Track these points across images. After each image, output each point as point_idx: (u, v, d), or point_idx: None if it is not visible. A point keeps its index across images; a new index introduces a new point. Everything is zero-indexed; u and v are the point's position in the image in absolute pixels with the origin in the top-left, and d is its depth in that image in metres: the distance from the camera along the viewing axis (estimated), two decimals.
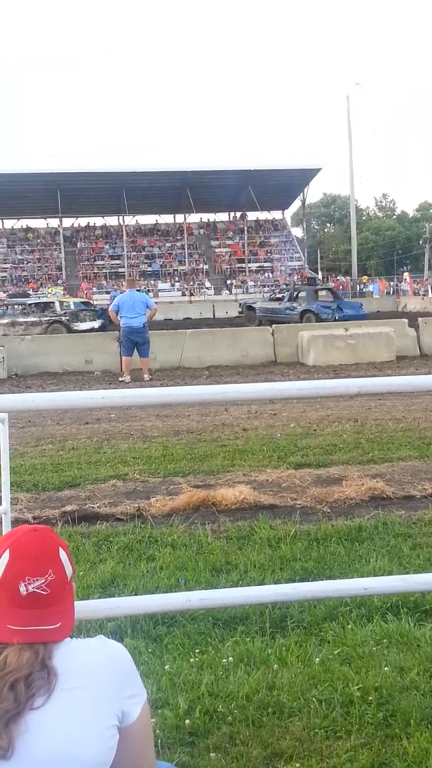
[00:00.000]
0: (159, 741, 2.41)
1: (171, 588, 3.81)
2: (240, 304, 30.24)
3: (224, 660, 3.00)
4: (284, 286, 35.48)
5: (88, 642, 1.55)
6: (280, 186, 58.64)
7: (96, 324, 24.76)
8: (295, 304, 25.56)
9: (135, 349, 14.25)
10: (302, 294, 25.95)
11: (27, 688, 1.37)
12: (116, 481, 6.36)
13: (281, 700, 2.69)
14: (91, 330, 23.33)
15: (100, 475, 6.57)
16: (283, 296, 27.62)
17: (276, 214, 66.80)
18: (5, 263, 59.35)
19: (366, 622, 3.39)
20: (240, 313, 27.94)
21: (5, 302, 28.51)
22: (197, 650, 3.13)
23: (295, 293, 26.48)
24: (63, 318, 24.80)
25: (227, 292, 54.86)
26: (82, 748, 1.38)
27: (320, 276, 63.83)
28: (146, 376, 14.30)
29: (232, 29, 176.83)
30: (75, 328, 23.86)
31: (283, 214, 67.91)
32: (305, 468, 6.57)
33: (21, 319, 24.57)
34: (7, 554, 1.49)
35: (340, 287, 56.77)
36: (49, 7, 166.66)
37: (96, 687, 1.45)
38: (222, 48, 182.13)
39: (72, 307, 26.87)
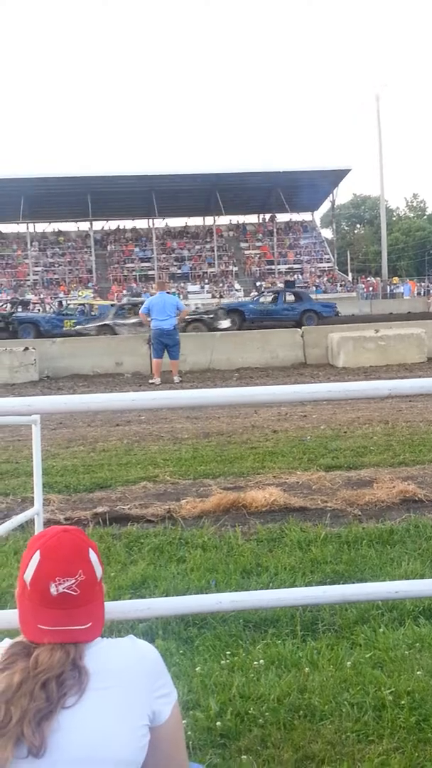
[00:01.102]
0: (190, 742, 2.42)
1: (201, 590, 3.81)
2: (220, 307, 27.71)
3: (255, 662, 3.00)
4: (264, 290, 35.67)
5: (118, 642, 1.56)
6: (309, 187, 58.37)
7: (229, 323, 24.09)
8: (294, 305, 25.93)
9: (165, 351, 14.30)
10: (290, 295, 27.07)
11: (59, 688, 1.38)
12: (147, 482, 6.38)
13: (313, 703, 2.67)
14: (227, 329, 22.48)
15: (131, 476, 6.60)
16: (275, 297, 27.92)
17: (305, 216, 66.59)
18: (37, 266, 59.88)
19: (398, 626, 3.36)
20: (213, 316, 24.67)
21: (128, 303, 27.72)
22: (228, 652, 3.12)
23: (284, 294, 27.50)
24: (205, 317, 24.06)
25: (256, 294, 54.85)
26: (114, 748, 1.39)
27: (350, 277, 63.43)
28: (176, 378, 14.34)
29: (261, 31, 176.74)
30: (217, 326, 22.97)
31: (312, 215, 67.69)
32: (336, 470, 6.54)
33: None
34: (38, 555, 1.51)
35: (371, 288, 56.53)
36: (87, 10, 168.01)
37: (127, 687, 1.45)
38: (250, 49, 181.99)
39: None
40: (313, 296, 44.13)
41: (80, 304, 28.84)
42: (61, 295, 43.70)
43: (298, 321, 25.46)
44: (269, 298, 29.05)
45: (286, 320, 25.87)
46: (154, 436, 8.70)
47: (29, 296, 46.03)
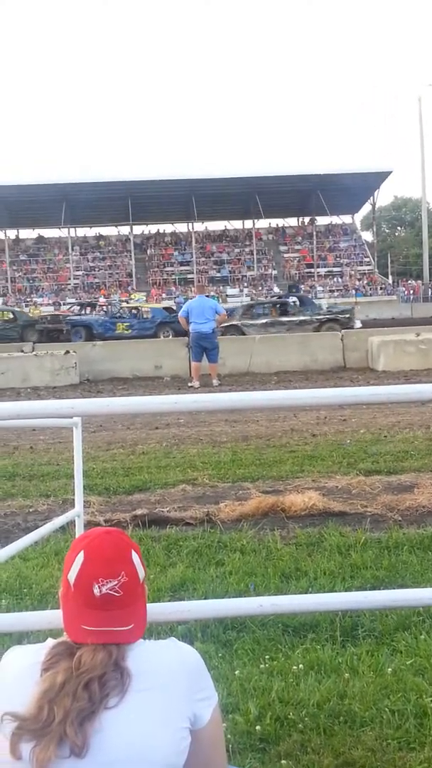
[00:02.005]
0: (230, 746, 2.41)
1: (240, 593, 3.81)
2: (353, 307, 26.60)
3: (294, 667, 2.98)
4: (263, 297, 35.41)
5: (160, 644, 1.56)
6: (349, 190, 58.05)
7: (360, 323, 23.80)
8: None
9: (204, 355, 14.33)
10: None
11: (101, 688, 1.39)
12: (186, 485, 6.40)
13: (353, 710, 2.65)
14: (358, 329, 21.85)
15: (170, 479, 6.63)
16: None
17: (345, 219, 66.23)
18: (78, 270, 60.54)
19: None
20: (349, 316, 23.91)
21: (257, 302, 27.75)
22: (267, 656, 3.12)
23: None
24: (339, 316, 23.80)
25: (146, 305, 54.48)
26: (155, 749, 1.39)
27: (390, 280, 62.91)
28: (215, 382, 14.36)
29: (299, 31, 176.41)
30: (352, 326, 22.57)
31: (352, 218, 67.32)
32: (375, 475, 6.49)
33: (285, 319, 23.45)
34: (81, 556, 1.52)
35: (411, 291, 55.96)
36: (108, 18, 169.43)
37: (168, 689, 1.46)
38: (289, 51, 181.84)
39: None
40: (352, 299, 43.97)
41: (132, 308, 28.86)
42: (116, 298, 43.97)
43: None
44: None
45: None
46: (193, 439, 8.72)
47: (96, 298, 46.22)
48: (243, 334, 21.54)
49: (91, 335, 25.12)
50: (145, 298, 45.35)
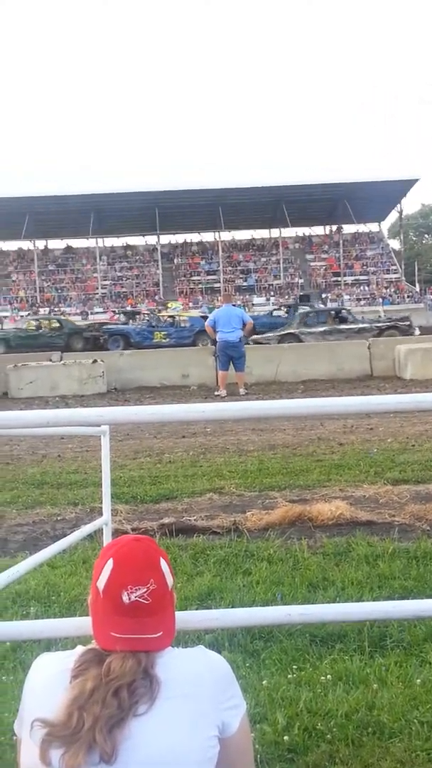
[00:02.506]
0: (258, 756, 2.40)
1: (267, 603, 3.79)
2: (410, 315, 26.44)
3: (322, 677, 2.96)
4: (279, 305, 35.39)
5: (189, 652, 1.56)
6: (376, 198, 57.89)
7: (419, 330, 23.77)
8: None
9: (231, 364, 14.33)
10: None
11: (130, 695, 1.39)
12: (212, 494, 6.40)
13: (381, 721, 2.63)
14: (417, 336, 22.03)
15: (197, 488, 6.63)
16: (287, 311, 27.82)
17: (372, 227, 65.98)
18: (105, 280, 60.96)
19: None
20: (409, 324, 23.75)
21: (313, 311, 27.59)
22: (295, 666, 3.10)
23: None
24: (399, 324, 23.81)
25: (322, 306, 54.57)
26: (184, 758, 1.39)
27: (418, 288, 62.49)
28: (242, 391, 14.35)
29: (324, 41, 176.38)
30: (412, 333, 22.66)
31: (379, 226, 67.06)
32: (403, 484, 6.44)
33: (344, 327, 23.33)
34: (110, 563, 1.53)
35: None
36: (133, 27, 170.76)
37: (197, 697, 1.45)
38: (313, 62, 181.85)
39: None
40: (379, 307, 43.82)
41: (170, 316, 28.98)
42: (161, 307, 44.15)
43: None
44: (282, 312, 29.96)
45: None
46: (219, 448, 8.72)
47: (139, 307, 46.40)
48: (300, 341, 21.63)
49: (129, 344, 25.30)
50: (182, 307, 45.35)
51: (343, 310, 25.99)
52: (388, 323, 23.98)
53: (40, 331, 28.15)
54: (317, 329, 22.96)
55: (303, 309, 28.01)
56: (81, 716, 1.36)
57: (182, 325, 26.64)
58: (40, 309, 52.82)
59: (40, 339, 26.84)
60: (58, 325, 28.91)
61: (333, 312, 25.55)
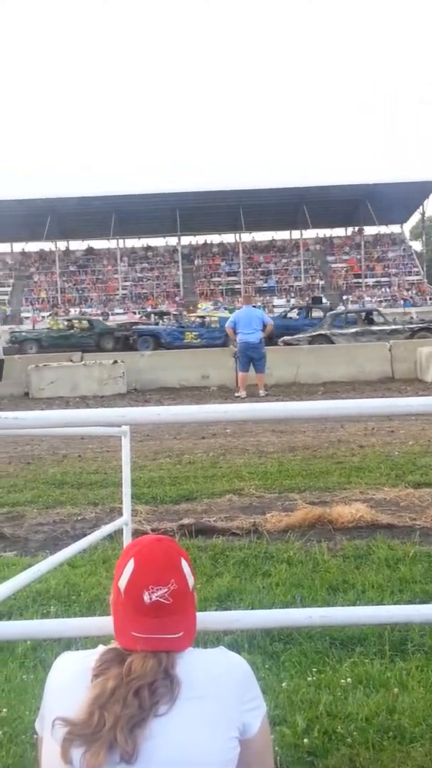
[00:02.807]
0: (278, 758, 2.39)
1: (286, 605, 3.79)
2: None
3: (342, 681, 2.95)
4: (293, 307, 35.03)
5: (209, 653, 1.56)
6: (398, 199, 57.51)
7: None
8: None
9: (251, 365, 14.33)
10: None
11: (151, 696, 1.39)
12: (232, 495, 6.40)
13: (402, 725, 2.61)
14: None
15: (216, 489, 6.63)
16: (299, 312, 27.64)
17: (394, 228, 65.58)
18: (126, 281, 61.13)
19: None
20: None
21: (343, 311, 27.17)
22: (314, 669, 3.09)
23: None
24: (431, 325, 23.57)
25: (343, 307, 54.41)
26: (204, 758, 1.39)
27: None
28: (262, 392, 14.34)
29: (345, 43, 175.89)
30: None
31: (401, 227, 66.60)
32: (425, 487, 6.39)
33: (376, 328, 23.16)
34: (132, 563, 1.53)
35: None
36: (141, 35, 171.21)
37: (217, 698, 1.45)
38: (334, 62, 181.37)
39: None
40: (401, 309, 43.55)
41: (200, 317, 29.06)
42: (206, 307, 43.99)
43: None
44: (294, 313, 29.72)
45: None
46: (239, 449, 8.72)
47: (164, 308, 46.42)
48: (332, 343, 21.49)
49: (159, 344, 25.39)
50: (212, 307, 45.17)
51: (375, 311, 25.75)
52: (420, 324, 23.75)
53: (71, 331, 28.62)
54: (349, 330, 22.81)
55: (335, 310, 27.85)
56: (102, 715, 1.37)
57: (213, 325, 26.58)
58: (63, 310, 53.06)
59: (71, 339, 27.37)
60: (88, 325, 29.32)
61: (364, 313, 25.34)
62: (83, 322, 30.30)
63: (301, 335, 23.31)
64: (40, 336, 28.30)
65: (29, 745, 2.56)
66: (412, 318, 26.91)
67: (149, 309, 44.18)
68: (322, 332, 22.70)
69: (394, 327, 23.20)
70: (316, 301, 38.50)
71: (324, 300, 42.24)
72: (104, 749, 1.34)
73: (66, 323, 30.23)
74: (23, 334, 29.54)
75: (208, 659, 1.52)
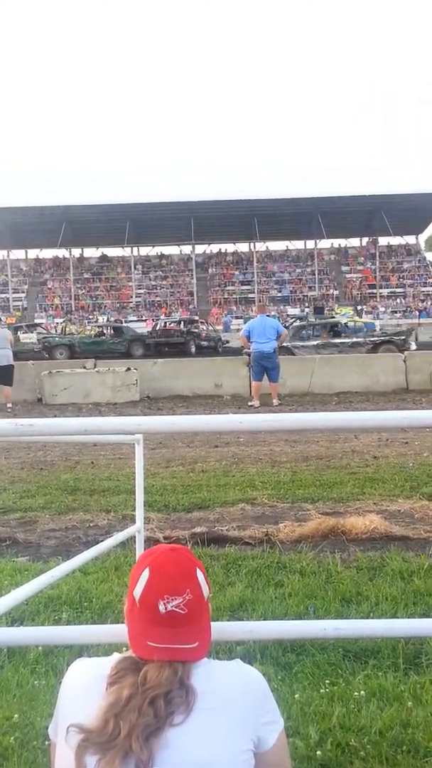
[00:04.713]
0: None
1: (299, 615, 3.77)
2: (409, 329, 25.86)
3: (356, 693, 2.93)
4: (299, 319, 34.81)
5: (225, 665, 1.55)
6: (413, 210, 57.56)
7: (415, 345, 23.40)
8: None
9: (265, 374, 14.32)
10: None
11: (167, 705, 1.39)
12: (245, 504, 6.38)
13: (416, 739, 2.58)
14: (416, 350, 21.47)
15: (229, 498, 6.62)
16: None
17: (409, 239, 65.55)
18: (140, 289, 61.37)
19: None
20: (405, 338, 22.90)
21: (308, 324, 26.86)
22: (327, 681, 3.07)
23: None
24: (395, 338, 23.10)
25: (312, 319, 54.18)
26: None
27: None
28: (275, 401, 14.31)
29: (360, 56, 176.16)
30: (408, 347, 21.92)
31: (416, 238, 66.54)
32: None
33: (337, 341, 23.02)
34: (147, 572, 1.52)
35: None
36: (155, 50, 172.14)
37: (233, 710, 1.44)
38: (350, 74, 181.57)
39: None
40: (415, 320, 43.33)
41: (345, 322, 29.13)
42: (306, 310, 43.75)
43: None
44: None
45: None
46: (252, 458, 8.70)
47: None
48: (293, 355, 21.34)
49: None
50: (351, 312, 44.38)
51: (339, 324, 25.47)
52: (383, 338, 23.43)
53: (103, 337, 29.30)
54: (310, 343, 22.83)
55: (300, 322, 27.80)
56: (117, 723, 1.36)
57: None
58: (77, 317, 53.27)
59: (102, 345, 28.21)
60: (118, 331, 30.28)
61: (329, 325, 25.08)
62: (111, 329, 31.41)
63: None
64: (73, 342, 28.79)
65: (41, 751, 2.55)
66: (382, 330, 26.62)
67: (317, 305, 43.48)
68: (285, 344, 22.72)
69: (355, 340, 23.00)
70: (318, 311, 38.34)
71: (324, 310, 42.02)
72: (119, 757, 1.33)
73: (97, 329, 31.36)
74: (56, 339, 30.00)
75: (224, 671, 1.52)
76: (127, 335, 29.43)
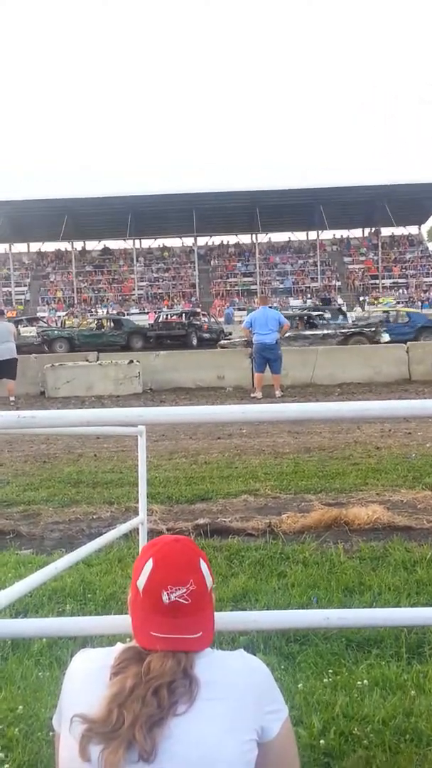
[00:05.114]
0: None
1: (303, 606, 3.78)
2: (381, 321, 25.48)
3: (359, 682, 2.93)
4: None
5: (229, 655, 1.56)
6: (416, 200, 57.32)
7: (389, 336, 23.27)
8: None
9: (267, 366, 14.31)
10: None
11: (170, 695, 1.39)
12: (247, 496, 6.39)
13: (419, 728, 2.59)
14: (389, 342, 21.67)
15: (232, 489, 6.63)
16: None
17: (412, 229, 65.30)
18: (142, 281, 61.28)
19: None
20: (375, 330, 22.87)
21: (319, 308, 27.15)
22: (330, 670, 3.08)
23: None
24: (365, 330, 23.25)
25: (359, 308, 54.20)
26: (221, 758, 1.38)
27: None
28: (278, 393, 14.31)
29: (361, 47, 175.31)
30: (379, 340, 22.23)
31: (419, 228, 66.30)
32: None
33: (308, 332, 22.88)
34: (150, 563, 1.53)
35: None
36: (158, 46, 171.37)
37: (236, 700, 1.45)
38: (350, 74, 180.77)
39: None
40: (352, 313, 43.26)
41: (384, 311, 29.02)
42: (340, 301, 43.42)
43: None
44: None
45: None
46: (255, 449, 8.71)
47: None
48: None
49: None
50: (394, 302, 43.56)
51: (316, 315, 25.46)
52: (353, 329, 23.41)
53: (102, 330, 29.22)
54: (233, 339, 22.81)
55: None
56: (121, 713, 1.36)
57: (400, 320, 26.31)
58: (80, 309, 53.23)
59: (102, 338, 27.99)
60: (118, 324, 29.99)
61: (305, 317, 25.07)
62: (110, 321, 31.04)
63: (237, 339, 23.16)
64: (72, 335, 28.71)
65: (45, 742, 2.56)
66: (353, 321, 26.62)
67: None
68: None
69: (326, 332, 22.94)
70: (326, 302, 38.33)
71: (339, 301, 42.04)
72: (123, 747, 1.34)
73: (97, 322, 30.96)
74: (55, 332, 29.91)
75: (227, 661, 1.52)
76: (127, 328, 29.29)
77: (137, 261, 62.26)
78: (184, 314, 32.41)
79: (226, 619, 2.04)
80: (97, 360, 17.74)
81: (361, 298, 53.31)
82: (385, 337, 22.41)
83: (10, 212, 56.69)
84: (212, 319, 32.58)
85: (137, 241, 63.39)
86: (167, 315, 33.47)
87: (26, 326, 32.38)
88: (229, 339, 23.69)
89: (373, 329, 22.88)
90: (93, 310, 54.21)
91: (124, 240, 62.87)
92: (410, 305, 52.84)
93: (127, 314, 46.13)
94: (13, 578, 4.09)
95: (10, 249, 62.87)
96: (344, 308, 34.83)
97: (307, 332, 22.96)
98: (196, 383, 16.61)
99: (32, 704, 2.88)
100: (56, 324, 39.40)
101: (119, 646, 1.52)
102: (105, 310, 52.08)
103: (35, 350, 23.94)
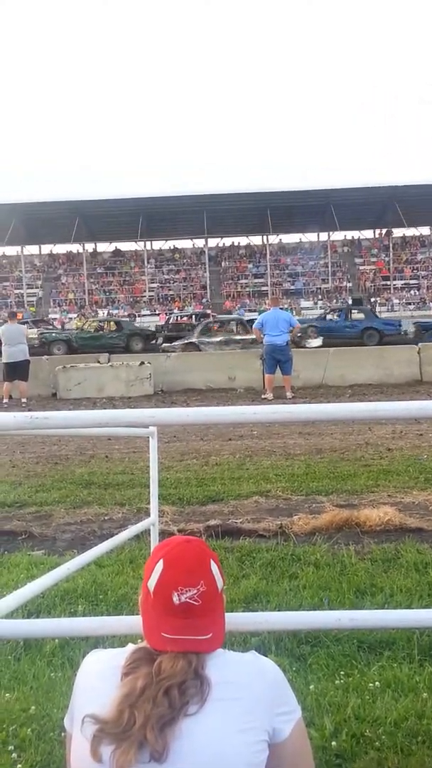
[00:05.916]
0: None
1: (314, 607, 3.77)
2: (311, 325, 25.68)
3: (370, 684, 2.93)
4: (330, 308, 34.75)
5: (241, 656, 1.55)
6: (427, 201, 57.05)
7: (320, 341, 23.25)
8: (356, 322, 25.92)
9: (278, 367, 14.30)
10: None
11: (181, 695, 1.39)
12: (259, 497, 6.38)
13: (431, 730, 2.58)
14: (318, 347, 21.59)
15: (243, 491, 6.62)
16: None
17: (423, 230, 65.03)
18: (153, 283, 61.35)
19: None
20: (301, 335, 21.66)
21: (215, 320, 26.85)
22: (342, 672, 3.07)
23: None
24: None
25: (223, 316, 53.88)
26: (232, 759, 1.38)
27: None
28: (289, 394, 14.30)
29: (367, 50, 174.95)
30: (305, 345, 22.14)
31: (430, 229, 66.05)
32: None
33: (238, 337, 22.82)
34: (161, 563, 1.53)
35: None
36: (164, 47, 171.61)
37: (247, 701, 1.44)
38: (350, 74, 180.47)
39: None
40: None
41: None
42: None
43: (359, 338, 26.40)
44: (335, 315, 29.84)
45: (348, 337, 26.45)
46: (266, 451, 8.70)
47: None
48: (199, 350, 21.67)
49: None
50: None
51: (243, 320, 25.30)
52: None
53: (101, 332, 29.12)
54: (215, 339, 22.87)
55: (208, 319, 27.73)
56: (132, 714, 1.37)
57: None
58: (91, 311, 53.36)
59: (101, 340, 27.82)
60: (117, 326, 29.89)
61: (235, 321, 25.09)
62: (111, 323, 30.89)
63: (177, 343, 23.47)
64: (69, 337, 28.64)
65: (57, 742, 2.57)
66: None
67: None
68: (192, 340, 22.87)
69: (254, 336, 22.72)
70: (357, 302, 38.41)
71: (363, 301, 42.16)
72: (134, 747, 1.34)
73: (96, 324, 30.81)
74: (53, 334, 29.89)
75: (239, 662, 1.52)
76: (126, 330, 29.11)
77: (148, 263, 62.33)
78: (194, 316, 32.42)
79: (237, 620, 2.04)
80: (108, 361, 17.78)
81: (373, 300, 53.14)
82: (315, 342, 22.63)
83: (22, 215, 56.88)
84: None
85: (148, 243, 63.48)
86: (178, 316, 33.49)
87: (31, 328, 32.47)
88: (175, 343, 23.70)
89: (299, 335, 21.46)
90: (95, 312, 54.25)
91: (135, 242, 62.96)
92: (422, 307, 52.69)
93: (138, 316, 46.17)
94: (26, 579, 4.10)
95: (22, 251, 63.09)
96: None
97: (238, 337, 22.92)
98: (207, 384, 16.62)
99: (44, 704, 2.89)
100: (63, 326, 39.39)
101: (130, 647, 1.52)
102: (116, 312, 52.17)
103: (35, 352, 23.95)
